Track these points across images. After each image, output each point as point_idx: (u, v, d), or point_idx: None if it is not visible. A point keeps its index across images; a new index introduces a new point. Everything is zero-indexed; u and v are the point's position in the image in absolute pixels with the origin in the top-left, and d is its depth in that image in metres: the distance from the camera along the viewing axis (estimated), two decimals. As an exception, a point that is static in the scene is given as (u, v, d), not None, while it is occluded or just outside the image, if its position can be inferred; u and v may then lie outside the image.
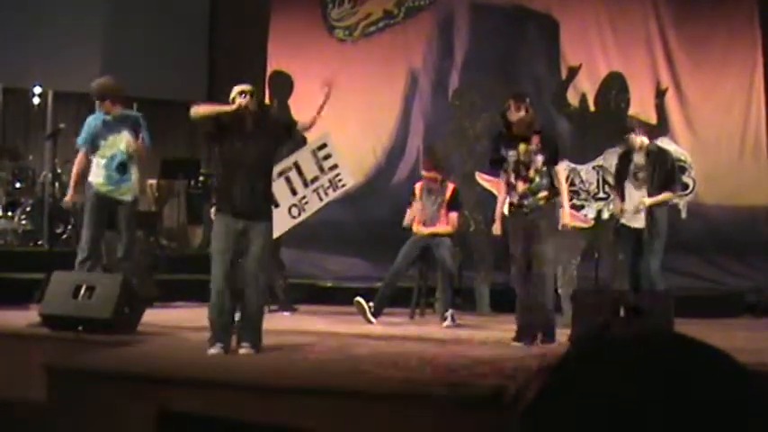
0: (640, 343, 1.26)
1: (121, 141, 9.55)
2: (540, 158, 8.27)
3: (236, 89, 7.50)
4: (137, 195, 9.83)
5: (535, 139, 8.29)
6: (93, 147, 9.61)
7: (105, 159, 9.54)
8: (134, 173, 9.67)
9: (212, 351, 7.20)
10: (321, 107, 8.75)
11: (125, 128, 9.57)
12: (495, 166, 8.65)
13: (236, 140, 7.46)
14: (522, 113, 8.27)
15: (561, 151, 8.75)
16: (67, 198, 9.92)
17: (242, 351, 7.28)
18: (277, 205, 11.01)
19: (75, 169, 9.74)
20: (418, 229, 10.52)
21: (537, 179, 8.27)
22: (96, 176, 9.56)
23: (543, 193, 8.28)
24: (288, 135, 8.11)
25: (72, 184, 9.78)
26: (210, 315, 7.36)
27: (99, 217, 9.52)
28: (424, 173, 10.68)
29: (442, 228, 10.45)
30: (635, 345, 1.25)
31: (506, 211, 8.60)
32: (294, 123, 8.35)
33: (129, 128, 9.58)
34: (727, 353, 1.24)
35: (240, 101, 7.40)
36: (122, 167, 9.56)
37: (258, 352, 7.33)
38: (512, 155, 8.34)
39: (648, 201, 9.23)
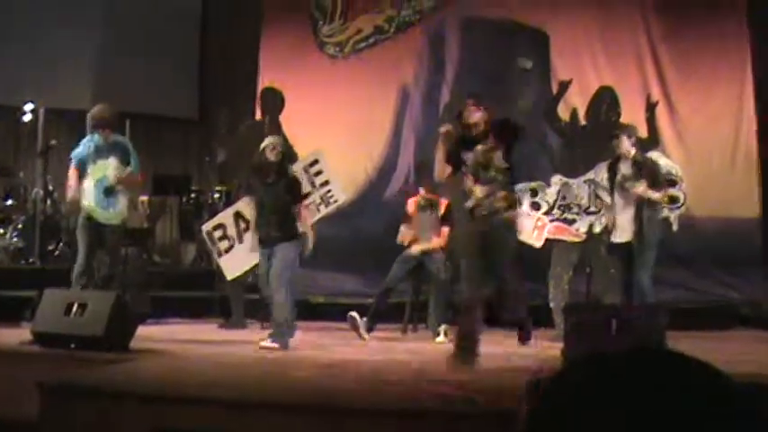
0: (634, 362, 1.26)
1: (108, 167, 9.78)
2: (498, 155, 7.83)
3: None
4: (125, 220, 10.06)
5: (492, 139, 7.86)
6: (82, 168, 9.83)
7: (93, 183, 9.74)
8: (122, 199, 9.88)
9: None
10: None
11: (113, 155, 9.82)
12: (454, 169, 8.11)
13: None
14: (480, 115, 7.89)
15: (522, 136, 8.27)
16: (69, 194, 9.98)
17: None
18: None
19: (70, 179, 9.92)
20: (413, 247, 10.54)
21: (499, 178, 7.82)
22: (85, 199, 9.76)
23: (502, 193, 7.81)
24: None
25: (73, 186, 9.87)
26: None
27: (89, 236, 9.72)
28: (422, 189, 10.68)
29: (435, 242, 10.47)
30: (628, 363, 1.26)
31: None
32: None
33: (117, 155, 9.83)
34: (721, 371, 1.25)
35: None
36: (109, 192, 9.75)
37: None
38: (470, 157, 7.91)
39: (640, 190, 9.26)
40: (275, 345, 8.92)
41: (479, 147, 7.80)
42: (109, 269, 9.75)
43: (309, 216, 10.09)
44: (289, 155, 10.12)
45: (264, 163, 9.52)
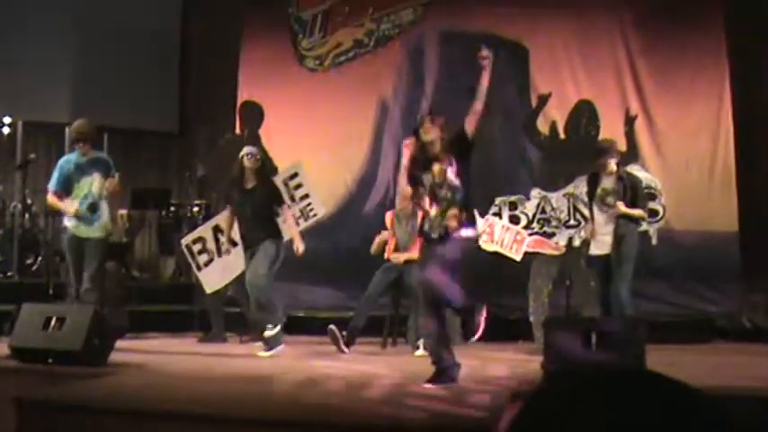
0: (611, 379, 1.27)
1: (93, 183, 9.79)
2: (450, 172, 7.38)
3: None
4: (108, 231, 10.04)
5: (447, 159, 7.40)
6: (65, 189, 9.82)
7: (77, 201, 9.75)
8: (104, 210, 9.88)
9: None
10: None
11: (96, 170, 9.83)
12: (415, 190, 7.64)
13: None
14: (436, 132, 7.45)
15: (471, 144, 7.56)
16: (72, 209, 9.82)
17: None
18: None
19: (56, 204, 9.91)
20: (394, 256, 10.55)
21: (449, 195, 7.36)
22: (70, 219, 9.79)
23: (453, 211, 7.32)
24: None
25: (63, 208, 9.82)
26: None
27: (77, 255, 9.77)
28: (404, 202, 10.66)
29: (415, 254, 10.46)
30: (606, 380, 1.26)
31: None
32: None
33: (99, 170, 9.84)
34: (691, 386, 1.25)
35: None
36: (93, 207, 9.77)
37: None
38: (427, 178, 7.47)
39: (623, 208, 9.30)
40: (272, 351, 9.61)
41: (436, 166, 7.41)
42: (91, 279, 9.68)
43: (294, 220, 10.46)
44: (267, 166, 10.17)
45: (244, 170, 9.95)
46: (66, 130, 13.90)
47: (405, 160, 7.84)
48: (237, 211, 10.11)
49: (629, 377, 1.26)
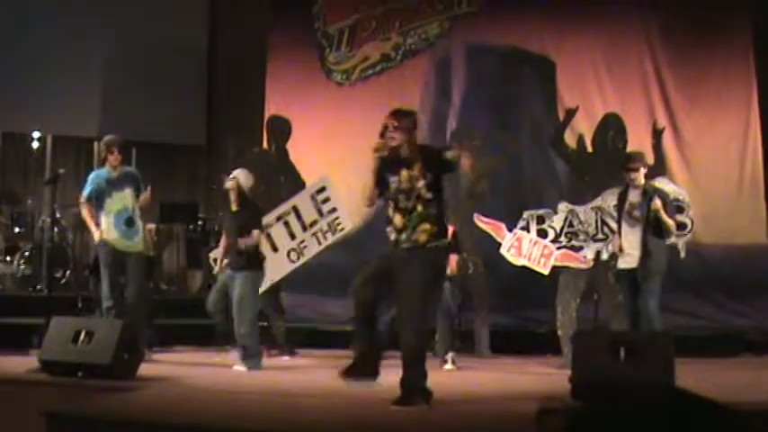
0: (645, 398, 1.27)
1: (126, 198, 9.96)
2: (421, 184, 6.91)
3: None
4: (147, 247, 10.35)
5: (418, 165, 6.92)
6: (97, 203, 9.95)
7: (113, 216, 9.92)
8: (140, 227, 10.09)
9: None
10: None
11: (128, 185, 9.99)
12: (381, 192, 7.15)
13: None
14: (401, 137, 6.99)
15: (454, 170, 7.31)
16: (97, 235, 10.00)
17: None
18: (276, 249, 11.09)
19: (88, 218, 10.05)
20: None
21: (419, 209, 6.91)
22: (108, 233, 9.90)
23: (424, 226, 6.90)
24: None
25: (93, 226, 9.99)
26: None
27: (114, 269, 9.89)
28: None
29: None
30: (639, 400, 1.26)
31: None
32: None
33: (131, 185, 10.01)
34: (725, 405, 1.25)
35: None
36: (130, 221, 9.95)
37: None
38: (393, 181, 7.00)
39: (660, 204, 9.24)
40: (245, 368, 9.55)
41: (404, 172, 6.94)
42: (134, 294, 9.87)
43: (266, 244, 10.44)
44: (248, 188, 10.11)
45: (227, 193, 10.07)
46: (95, 144, 14.05)
47: (373, 165, 7.12)
48: (225, 230, 10.25)
49: (664, 396, 1.25)
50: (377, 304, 7.01)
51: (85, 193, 10.04)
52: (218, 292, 10.16)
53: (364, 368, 6.93)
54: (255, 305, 9.90)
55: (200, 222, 14.36)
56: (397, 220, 6.95)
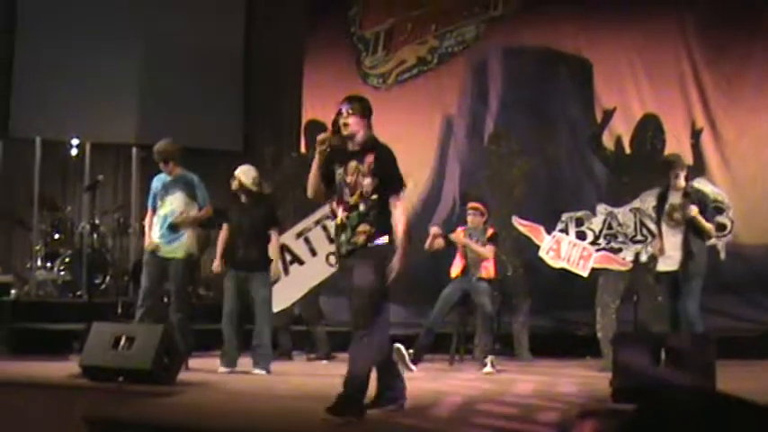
0: (694, 405, 1.25)
1: (174, 202, 9.95)
2: (368, 182, 6.42)
3: None
4: (191, 253, 10.12)
5: (369, 158, 6.49)
6: (153, 208, 10.05)
7: (159, 218, 9.94)
8: (186, 233, 9.99)
9: None
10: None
11: (179, 189, 9.98)
12: (327, 185, 6.65)
13: None
14: (355, 122, 6.54)
15: (398, 180, 6.58)
16: (147, 242, 10.08)
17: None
18: (315, 253, 11.12)
19: (147, 226, 10.13)
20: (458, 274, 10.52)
21: (361, 208, 6.42)
22: (154, 237, 9.94)
23: (363, 227, 6.41)
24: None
25: (148, 233, 10.05)
26: None
27: (153, 270, 9.88)
28: (477, 218, 10.61)
29: (482, 273, 10.42)
30: (689, 406, 1.25)
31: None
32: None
33: (183, 189, 9.99)
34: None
35: None
36: (173, 227, 9.90)
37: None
38: (339, 173, 6.55)
39: (695, 212, 9.14)
40: (263, 371, 9.59)
41: (352, 163, 6.48)
42: (175, 301, 9.88)
43: (277, 242, 10.21)
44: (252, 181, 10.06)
45: (238, 187, 9.99)
46: (133, 150, 14.13)
47: (317, 156, 6.63)
48: (233, 226, 10.11)
49: (713, 403, 1.24)
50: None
51: (148, 201, 10.16)
52: (234, 300, 9.95)
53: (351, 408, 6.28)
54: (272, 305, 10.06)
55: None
56: (339, 214, 6.51)
